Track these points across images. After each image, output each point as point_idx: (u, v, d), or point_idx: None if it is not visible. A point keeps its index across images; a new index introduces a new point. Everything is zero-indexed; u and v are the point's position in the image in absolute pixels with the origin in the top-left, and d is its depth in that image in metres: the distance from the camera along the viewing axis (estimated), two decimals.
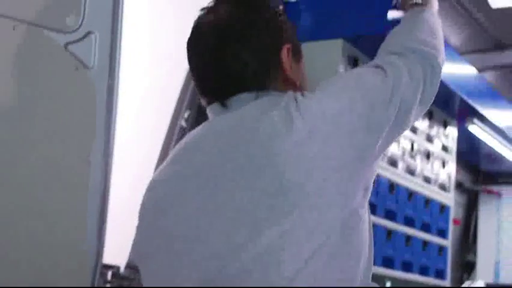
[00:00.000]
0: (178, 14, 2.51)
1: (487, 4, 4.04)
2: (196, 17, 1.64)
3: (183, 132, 2.57)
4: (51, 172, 2.11)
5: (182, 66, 2.20)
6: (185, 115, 2.60)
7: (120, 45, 2.19)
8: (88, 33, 2.15)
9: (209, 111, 1.60)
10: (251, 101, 1.53)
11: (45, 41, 2.09)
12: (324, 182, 1.39)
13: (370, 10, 2.65)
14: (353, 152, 1.44)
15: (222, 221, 1.40)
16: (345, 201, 1.41)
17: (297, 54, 1.65)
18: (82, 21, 2.14)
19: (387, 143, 1.55)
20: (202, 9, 1.64)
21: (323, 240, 1.37)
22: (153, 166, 2.56)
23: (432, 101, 1.70)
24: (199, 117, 2.64)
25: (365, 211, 1.48)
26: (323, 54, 2.83)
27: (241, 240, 1.37)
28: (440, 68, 1.73)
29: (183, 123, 2.61)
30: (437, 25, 1.89)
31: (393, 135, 1.56)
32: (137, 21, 2.19)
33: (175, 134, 2.57)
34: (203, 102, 1.63)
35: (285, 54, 1.60)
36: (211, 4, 1.65)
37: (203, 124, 1.59)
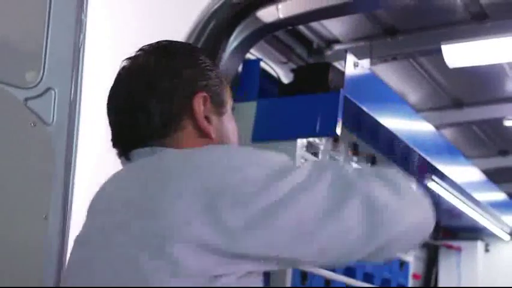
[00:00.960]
0: None
1: (445, 64, 4.12)
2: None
3: None
4: (7, 230, 2.08)
5: None
6: None
7: (80, 102, 2.19)
8: (48, 89, 2.14)
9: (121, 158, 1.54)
10: (148, 156, 1.44)
11: (5, 96, 2.07)
12: None
13: (323, 114, 2.72)
14: None
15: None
16: None
17: (219, 107, 1.55)
18: (42, 77, 2.13)
19: None
20: (126, 59, 1.57)
21: None
22: None
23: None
24: None
25: None
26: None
27: None
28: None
29: None
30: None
31: None
32: (98, 77, 2.19)
33: None
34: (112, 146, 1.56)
35: (198, 102, 1.49)
36: (134, 54, 1.57)
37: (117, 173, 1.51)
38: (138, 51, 1.56)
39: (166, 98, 1.48)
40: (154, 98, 1.47)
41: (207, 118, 1.50)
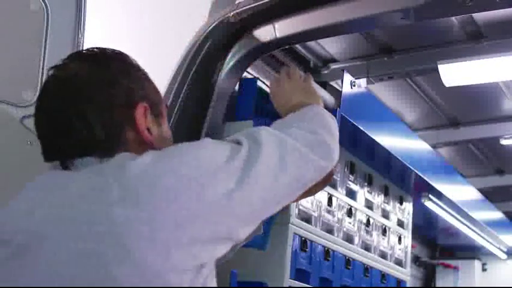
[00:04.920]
0: None
1: (441, 83, 4.13)
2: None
3: None
4: None
5: None
6: None
7: None
8: None
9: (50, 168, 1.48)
10: (89, 166, 1.40)
11: (1, 114, 2.08)
12: None
13: None
14: None
15: None
16: None
17: (158, 116, 1.53)
18: None
19: None
20: (52, 67, 1.51)
21: None
22: None
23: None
24: None
25: None
26: None
27: None
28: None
29: None
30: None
31: None
32: None
33: None
34: (43, 156, 1.50)
35: (139, 113, 1.47)
36: (63, 61, 1.51)
37: (45, 176, 1.47)
38: (66, 59, 1.51)
39: (106, 108, 1.44)
40: (92, 108, 1.43)
41: (148, 129, 1.48)
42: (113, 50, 1.57)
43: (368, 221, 4.00)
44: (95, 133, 1.42)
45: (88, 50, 1.54)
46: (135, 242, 1.25)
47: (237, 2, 2.70)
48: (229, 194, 1.35)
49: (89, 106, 1.43)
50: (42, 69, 2.15)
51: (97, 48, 1.54)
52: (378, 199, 4.14)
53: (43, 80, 2.12)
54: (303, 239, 3.27)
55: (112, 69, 1.49)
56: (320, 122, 1.63)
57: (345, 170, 3.71)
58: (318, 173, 1.54)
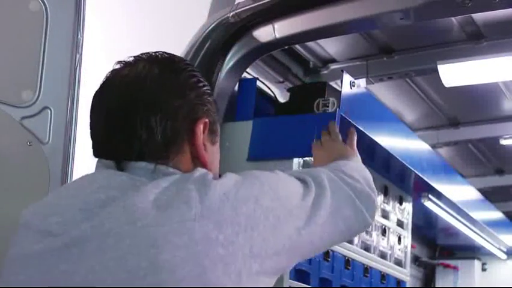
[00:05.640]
0: None
1: (441, 83, 4.13)
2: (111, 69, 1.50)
3: None
4: (2, 249, 2.07)
5: None
6: None
7: (76, 121, 2.19)
8: (44, 108, 2.14)
9: (98, 163, 1.46)
10: (147, 174, 1.39)
11: (0, 115, 2.08)
12: None
13: (319, 133, 2.72)
14: None
15: None
16: None
17: (213, 134, 1.53)
18: (38, 96, 2.14)
19: None
20: (119, 62, 1.50)
21: None
22: None
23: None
24: None
25: None
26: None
27: None
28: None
29: None
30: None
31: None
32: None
33: None
34: (93, 151, 1.48)
35: (200, 128, 1.47)
36: (130, 59, 1.50)
37: (101, 175, 1.43)
38: (135, 58, 1.50)
39: (171, 117, 1.43)
40: (157, 114, 1.41)
41: (204, 145, 1.48)
42: (183, 59, 1.58)
43: None
44: (155, 139, 1.41)
45: (157, 53, 1.52)
46: (211, 263, 1.25)
47: (236, 2, 2.70)
48: (299, 231, 1.41)
49: (155, 112, 1.42)
50: (42, 69, 2.15)
51: (166, 53, 1.53)
52: (377, 199, 4.13)
53: (43, 80, 2.14)
54: None
55: (181, 79, 1.48)
56: (365, 175, 1.78)
57: None
58: (363, 225, 1.67)
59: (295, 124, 2.94)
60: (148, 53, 1.52)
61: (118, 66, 1.50)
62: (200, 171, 1.38)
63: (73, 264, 1.29)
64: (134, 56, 1.51)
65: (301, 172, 1.59)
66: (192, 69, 1.54)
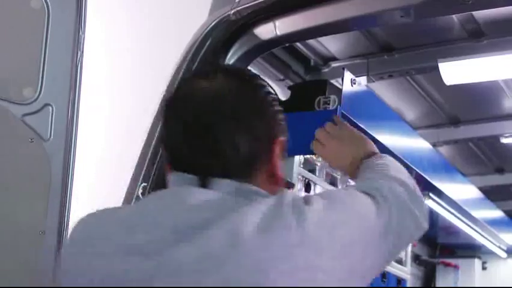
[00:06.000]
0: (137, 90, 2.54)
1: (441, 81, 4.13)
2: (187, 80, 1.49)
3: None
4: (3, 244, 2.08)
5: (138, 139, 2.21)
6: (141, 187, 2.60)
7: (77, 118, 2.20)
8: (45, 105, 2.15)
9: (177, 177, 1.43)
10: (232, 192, 1.38)
11: (2, 112, 2.09)
12: None
13: None
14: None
15: None
16: None
17: (284, 152, 1.52)
18: (39, 93, 2.14)
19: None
20: (196, 73, 1.50)
21: None
22: None
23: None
24: (155, 188, 2.63)
25: None
26: None
27: None
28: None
29: (140, 194, 2.60)
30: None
31: None
32: (95, 95, 2.20)
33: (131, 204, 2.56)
34: (168, 167, 1.45)
35: (277, 148, 1.47)
36: (208, 71, 1.49)
37: (167, 192, 1.42)
38: (211, 70, 1.49)
39: (253, 135, 1.42)
40: (241, 132, 1.41)
41: (278, 163, 1.48)
42: (255, 74, 1.58)
43: None
44: (239, 157, 1.41)
45: (229, 66, 1.54)
46: None
47: (237, 0, 2.70)
48: (380, 248, 1.44)
49: (238, 129, 1.41)
50: (43, 66, 2.16)
51: (239, 68, 1.60)
52: None
53: (44, 77, 2.14)
54: None
55: (260, 96, 1.49)
56: (406, 172, 1.77)
57: None
58: (421, 231, 1.66)
59: (296, 121, 2.93)
60: (219, 65, 1.50)
61: (194, 80, 1.48)
62: (290, 194, 1.38)
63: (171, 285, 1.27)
64: (207, 68, 1.52)
65: (364, 185, 1.60)
66: (266, 85, 1.54)
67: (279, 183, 1.48)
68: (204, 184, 1.40)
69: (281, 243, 1.27)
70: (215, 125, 1.41)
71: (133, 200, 2.54)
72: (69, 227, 2.16)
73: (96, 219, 1.42)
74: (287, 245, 1.27)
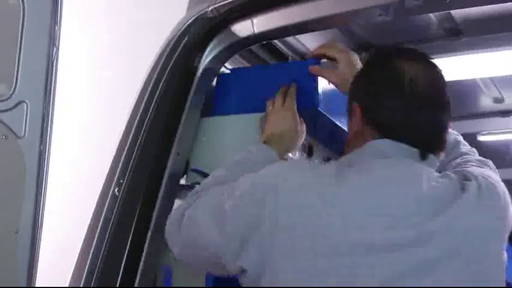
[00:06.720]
0: (113, 87, 2.52)
1: None
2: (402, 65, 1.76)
3: (115, 200, 2.53)
4: None
5: (113, 137, 2.19)
6: (117, 184, 2.58)
7: (52, 115, 2.17)
8: (20, 102, 2.13)
9: (395, 147, 1.68)
10: (434, 168, 1.74)
11: None
12: None
13: (300, 85, 2.65)
14: None
15: None
16: None
17: None
18: (14, 90, 2.12)
19: None
20: (417, 60, 1.79)
21: None
22: (82, 235, 2.52)
23: None
24: (132, 185, 2.61)
25: None
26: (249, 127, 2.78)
27: None
28: None
29: (116, 192, 2.58)
30: None
31: None
32: (71, 91, 2.18)
33: (106, 202, 2.54)
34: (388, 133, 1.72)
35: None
36: (424, 58, 1.88)
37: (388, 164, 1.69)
38: (422, 57, 1.84)
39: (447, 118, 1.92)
40: (449, 114, 1.90)
41: None
42: None
43: None
44: (445, 133, 1.85)
45: (425, 54, 1.93)
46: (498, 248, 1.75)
47: None
48: None
49: (448, 111, 1.89)
50: (18, 63, 2.14)
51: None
52: None
53: (19, 74, 2.11)
54: None
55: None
56: None
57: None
58: None
59: (272, 75, 2.87)
60: (422, 53, 1.89)
61: (414, 64, 1.86)
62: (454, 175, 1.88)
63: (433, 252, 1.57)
64: (417, 55, 1.88)
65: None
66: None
67: None
68: (423, 157, 1.74)
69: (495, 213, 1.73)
70: (441, 107, 1.86)
71: (108, 198, 2.51)
72: (43, 226, 2.14)
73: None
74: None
